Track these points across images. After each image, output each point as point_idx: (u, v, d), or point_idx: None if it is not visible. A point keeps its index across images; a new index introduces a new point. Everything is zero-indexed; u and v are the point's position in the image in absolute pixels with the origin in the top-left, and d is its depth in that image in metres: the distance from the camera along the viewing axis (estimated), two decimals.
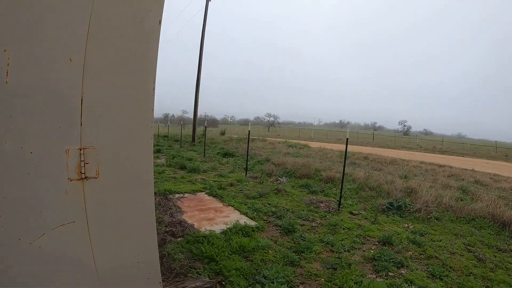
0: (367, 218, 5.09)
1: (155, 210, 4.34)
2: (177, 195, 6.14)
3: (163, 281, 3.10)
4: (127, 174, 1.78)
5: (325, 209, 5.34)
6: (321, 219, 4.92)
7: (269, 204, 5.65)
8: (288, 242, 4.04)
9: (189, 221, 4.72)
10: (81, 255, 1.64)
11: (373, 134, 42.69)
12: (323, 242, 3.98)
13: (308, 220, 4.86)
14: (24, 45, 1.39)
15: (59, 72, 1.49)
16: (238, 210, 5.29)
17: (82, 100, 1.55)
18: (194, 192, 6.44)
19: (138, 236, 1.87)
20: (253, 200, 5.89)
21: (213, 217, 4.99)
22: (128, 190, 1.80)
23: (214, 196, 6.12)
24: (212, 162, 10.75)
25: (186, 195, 6.21)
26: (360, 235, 4.32)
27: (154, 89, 1.81)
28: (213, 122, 65.98)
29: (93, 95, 1.59)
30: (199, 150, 13.93)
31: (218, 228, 4.43)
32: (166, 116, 77.46)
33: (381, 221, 4.92)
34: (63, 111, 1.52)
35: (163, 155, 11.67)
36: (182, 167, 9.02)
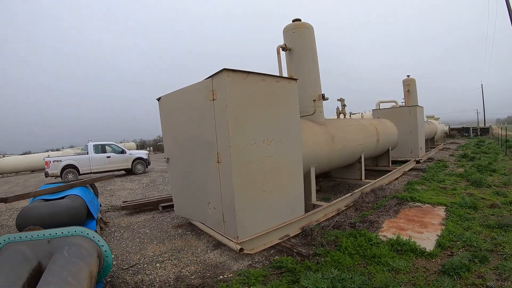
0: None
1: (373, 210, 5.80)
2: (417, 204, 6.03)
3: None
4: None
5: None
6: None
7: (492, 240, 4.02)
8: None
9: (383, 224, 5.01)
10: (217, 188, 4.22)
11: None
12: None
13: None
14: None
15: None
16: (442, 231, 4.47)
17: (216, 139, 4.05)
18: (436, 204, 5.79)
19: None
20: (482, 228, 4.40)
21: (407, 228, 4.75)
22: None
23: (448, 213, 5.25)
24: None
25: (424, 205, 5.86)
26: None
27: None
28: None
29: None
30: None
31: (389, 236, 4.41)
32: None
33: None
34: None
35: (471, 164, 9.79)
36: (468, 179, 7.60)
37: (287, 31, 6.62)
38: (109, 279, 3.62)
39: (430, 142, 17.05)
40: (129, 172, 15.61)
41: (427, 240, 4.25)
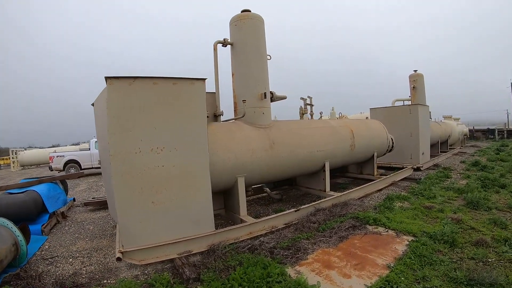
0: None
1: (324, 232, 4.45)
2: (378, 229, 4.59)
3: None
4: None
5: None
6: None
7: None
8: None
9: (310, 255, 3.75)
10: None
11: None
12: None
13: None
14: None
15: None
16: (379, 279, 3.09)
17: None
18: (403, 232, 4.30)
19: None
20: (443, 283, 2.88)
21: (336, 266, 3.41)
22: None
23: (410, 249, 3.79)
24: None
25: (386, 232, 4.38)
26: None
27: None
28: None
29: None
30: None
31: (305, 273, 3.14)
32: None
33: None
34: None
35: (479, 175, 8.06)
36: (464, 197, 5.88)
37: (231, 23, 5.51)
38: (27, 265, 3.86)
39: (443, 145, 14.77)
40: None
41: None
